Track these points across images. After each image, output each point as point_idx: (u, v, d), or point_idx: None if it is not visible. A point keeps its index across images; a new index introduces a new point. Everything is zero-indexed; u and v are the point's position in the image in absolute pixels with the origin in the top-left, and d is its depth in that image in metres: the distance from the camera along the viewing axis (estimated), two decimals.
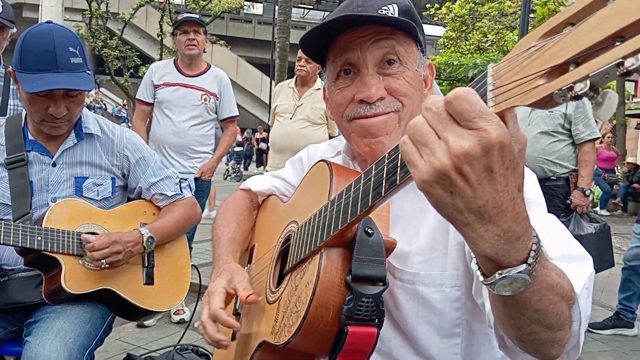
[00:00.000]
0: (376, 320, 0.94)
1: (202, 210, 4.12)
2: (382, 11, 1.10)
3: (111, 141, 2.04)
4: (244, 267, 1.38)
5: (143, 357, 2.22)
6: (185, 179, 2.27)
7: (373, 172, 0.83)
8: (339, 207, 0.94)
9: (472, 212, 0.62)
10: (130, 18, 18.46)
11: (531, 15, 11.36)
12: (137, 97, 4.16)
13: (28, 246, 1.76)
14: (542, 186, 4.32)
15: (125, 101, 24.38)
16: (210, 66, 4.19)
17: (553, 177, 4.00)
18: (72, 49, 1.81)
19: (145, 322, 3.79)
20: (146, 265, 2.01)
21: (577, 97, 0.56)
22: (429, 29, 35.23)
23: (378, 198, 0.81)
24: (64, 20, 21.65)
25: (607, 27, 0.53)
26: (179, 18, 4.04)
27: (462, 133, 0.60)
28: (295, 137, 4.25)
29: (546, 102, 0.58)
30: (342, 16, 1.05)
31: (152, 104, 4.07)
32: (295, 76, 4.49)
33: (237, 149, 18.80)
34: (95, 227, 1.92)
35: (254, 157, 22.80)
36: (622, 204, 13.59)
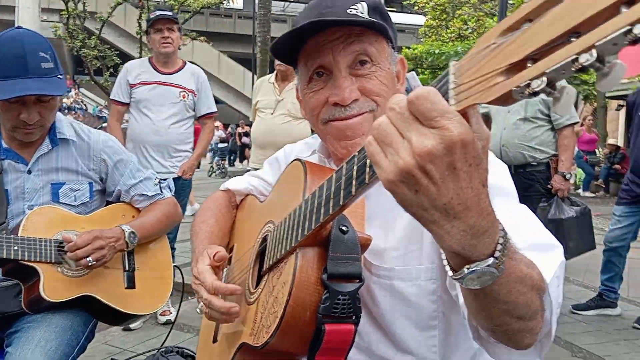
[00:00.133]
0: (353, 317, 0.94)
1: (184, 210, 4.10)
2: (351, 10, 1.10)
3: (87, 145, 2.02)
4: (224, 269, 1.38)
5: None
6: (165, 179, 2.25)
7: (344, 171, 0.84)
8: (312, 207, 0.94)
9: (437, 210, 0.63)
10: (109, 17, 18.27)
11: (510, 1, 11.42)
12: (111, 97, 4.11)
13: (4, 256, 1.74)
14: (523, 172, 4.35)
15: (107, 102, 24.14)
16: (185, 63, 4.16)
17: (534, 163, 4.04)
18: (43, 53, 1.78)
19: (131, 325, 3.75)
20: (127, 269, 1.99)
21: (535, 94, 0.56)
22: (409, 18, 35.26)
23: (349, 197, 0.82)
24: (41, 21, 21.33)
25: (562, 24, 0.53)
26: (151, 16, 4.00)
27: (425, 132, 0.60)
28: (277, 132, 4.24)
29: (505, 99, 0.59)
30: (311, 22, 1.05)
31: (128, 104, 4.03)
32: (275, 71, 4.48)
33: (221, 145, 18.69)
34: (73, 234, 1.89)
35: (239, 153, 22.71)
36: (604, 186, 13.78)
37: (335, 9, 1.10)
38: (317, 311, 0.93)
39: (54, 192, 1.94)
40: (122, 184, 2.07)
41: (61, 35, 19.12)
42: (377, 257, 1.09)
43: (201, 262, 1.19)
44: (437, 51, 12.81)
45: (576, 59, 0.52)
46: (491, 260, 0.67)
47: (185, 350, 2.03)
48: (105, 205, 2.11)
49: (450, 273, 0.71)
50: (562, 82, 0.55)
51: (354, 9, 1.10)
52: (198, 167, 4.36)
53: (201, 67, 4.40)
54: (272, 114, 4.33)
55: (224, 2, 21.03)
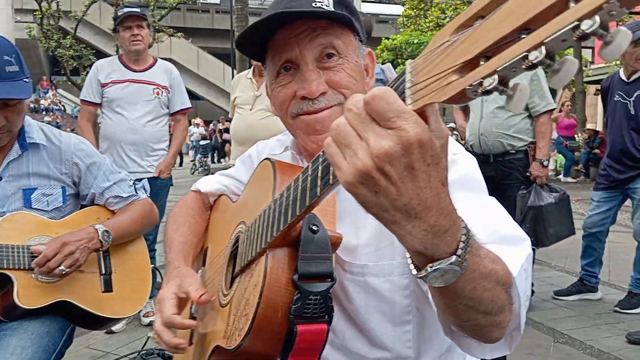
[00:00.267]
0: (325, 317, 0.94)
1: (164, 210, 4.06)
2: (316, 3, 1.09)
3: (58, 149, 1.98)
4: (198, 270, 1.37)
5: None
6: (140, 180, 2.23)
7: (309, 171, 0.83)
8: (280, 207, 0.94)
9: (397, 210, 0.63)
10: (83, 15, 18.00)
11: None
12: (81, 97, 4.02)
13: None
14: (502, 160, 4.36)
15: None
16: (157, 60, 4.11)
17: (512, 151, 4.06)
18: (7, 57, 1.74)
19: (113, 328, 3.71)
20: (103, 272, 1.97)
21: (488, 92, 0.55)
22: (387, 9, 35.26)
23: (315, 198, 0.81)
24: (15, 22, 20.94)
25: (512, 20, 0.53)
26: (119, 14, 3.94)
27: (382, 133, 0.60)
28: (257, 128, 4.20)
29: (460, 98, 0.58)
30: (275, 14, 1.04)
31: (99, 104, 3.96)
32: (252, 67, 4.44)
33: (203, 142, 18.56)
34: (47, 239, 1.87)
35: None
36: (584, 170, 13.94)
37: (301, 1, 1.09)
38: (289, 312, 0.92)
39: (25, 197, 1.91)
40: (95, 187, 2.04)
41: (36, 36, 18.81)
42: (350, 254, 1.09)
43: (168, 287, 1.18)
44: (416, 41, 12.86)
45: (526, 57, 0.51)
46: (454, 258, 0.67)
47: (167, 353, 2.01)
48: (80, 209, 2.08)
49: (414, 272, 0.71)
50: (516, 79, 0.55)
51: (319, 1, 1.09)
52: (174, 165, 4.32)
53: (180, 64, 4.36)
54: (250, 109, 4.29)
55: None
